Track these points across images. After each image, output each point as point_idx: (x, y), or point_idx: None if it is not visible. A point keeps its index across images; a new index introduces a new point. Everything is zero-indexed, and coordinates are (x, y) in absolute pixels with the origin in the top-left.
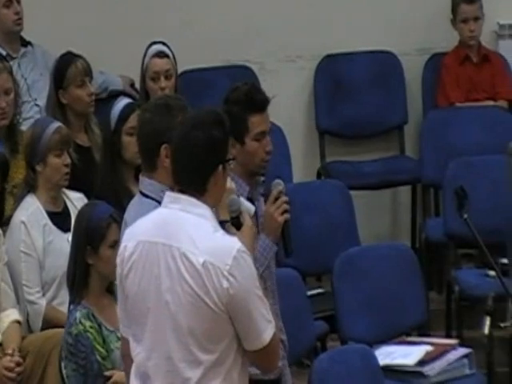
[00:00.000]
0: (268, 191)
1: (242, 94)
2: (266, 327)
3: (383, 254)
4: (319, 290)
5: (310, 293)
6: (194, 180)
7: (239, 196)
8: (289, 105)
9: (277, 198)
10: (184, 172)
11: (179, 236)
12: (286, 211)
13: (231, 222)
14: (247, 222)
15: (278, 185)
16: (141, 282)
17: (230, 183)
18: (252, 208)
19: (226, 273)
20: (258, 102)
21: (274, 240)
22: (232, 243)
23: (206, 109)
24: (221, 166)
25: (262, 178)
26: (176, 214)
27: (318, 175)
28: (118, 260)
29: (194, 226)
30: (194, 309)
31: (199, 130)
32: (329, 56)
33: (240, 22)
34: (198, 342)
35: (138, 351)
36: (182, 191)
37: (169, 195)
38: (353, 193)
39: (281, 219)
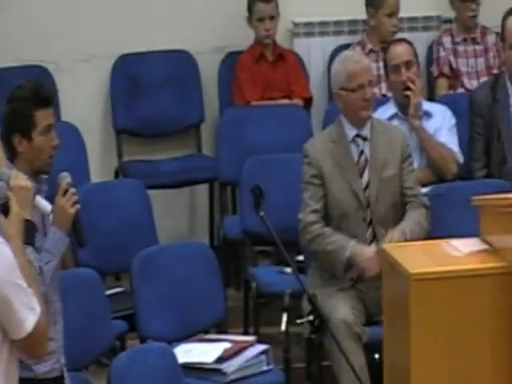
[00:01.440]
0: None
1: (27, 90)
2: (28, 315)
3: (181, 253)
4: (118, 290)
5: (108, 292)
6: None
7: (36, 194)
8: (85, 104)
9: (66, 191)
10: None
11: None
12: (76, 202)
13: None
14: (14, 208)
15: (66, 177)
16: None
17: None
18: (48, 206)
19: None
20: (43, 97)
21: (66, 232)
22: None
23: None
24: None
25: (45, 176)
26: None
27: (116, 175)
28: None
29: None
30: None
31: None
32: (124, 55)
33: (35, 20)
34: None
35: None
36: None
37: None
38: (150, 192)
39: (72, 210)
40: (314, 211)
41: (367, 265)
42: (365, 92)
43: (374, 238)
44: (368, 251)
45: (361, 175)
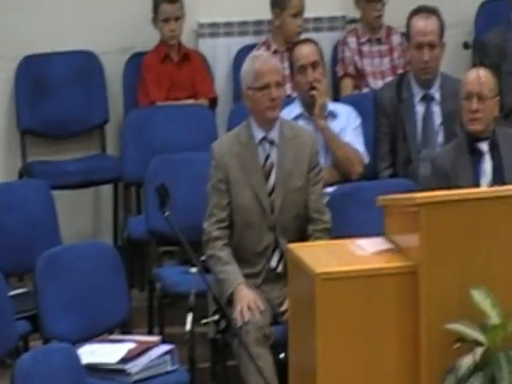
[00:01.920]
0: None
1: None
2: None
3: (85, 253)
4: (21, 290)
5: (12, 293)
6: None
7: None
8: None
9: None
10: None
11: None
12: None
13: None
14: None
15: None
16: None
17: None
18: None
19: None
20: None
21: None
22: None
23: None
24: None
25: None
26: None
27: (20, 175)
28: None
29: None
30: None
31: None
32: (29, 56)
33: None
34: None
35: None
36: None
37: None
38: (55, 192)
39: None
40: (219, 221)
41: (238, 314)
42: (271, 92)
43: (276, 247)
44: (245, 300)
45: (266, 180)
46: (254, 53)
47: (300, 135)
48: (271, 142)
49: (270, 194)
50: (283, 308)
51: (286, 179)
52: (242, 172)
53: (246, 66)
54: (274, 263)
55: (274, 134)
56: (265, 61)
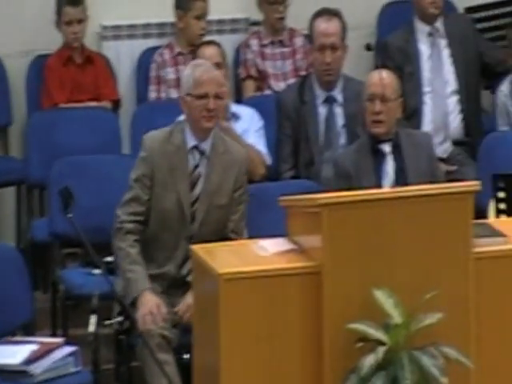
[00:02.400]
0: None
1: None
2: None
3: None
4: None
5: None
6: None
7: None
8: None
9: None
10: None
11: None
12: None
13: None
14: None
15: None
16: None
17: None
18: None
19: None
20: None
21: None
22: None
23: None
24: None
25: None
26: None
27: None
28: None
29: None
30: None
31: None
32: None
33: None
34: None
35: None
36: None
37: None
38: None
39: None
40: (134, 214)
41: (141, 318)
42: (209, 102)
43: (187, 259)
44: (148, 306)
45: (192, 189)
46: (198, 60)
47: (231, 151)
48: (202, 153)
49: (193, 203)
50: (177, 308)
51: (211, 194)
52: (169, 174)
53: (187, 71)
54: (184, 271)
55: (206, 145)
56: (206, 70)
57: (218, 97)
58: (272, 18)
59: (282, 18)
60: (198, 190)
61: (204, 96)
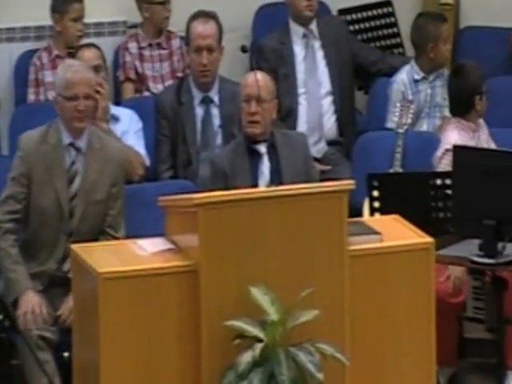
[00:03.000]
0: None
1: None
2: None
3: None
4: None
5: None
6: None
7: None
8: None
9: None
10: None
11: None
12: None
13: None
14: None
15: None
16: None
17: None
18: None
19: None
20: None
21: None
22: None
23: None
24: None
25: None
26: None
27: None
28: None
29: None
30: None
31: None
32: None
33: None
34: None
35: None
36: None
37: None
38: None
39: None
40: (12, 212)
41: (22, 317)
42: (79, 103)
43: (67, 255)
44: (30, 305)
45: (69, 185)
46: (70, 61)
47: (107, 147)
48: (78, 150)
49: (71, 200)
50: (60, 312)
51: (88, 190)
52: (46, 173)
53: (59, 72)
54: (65, 267)
55: (81, 143)
56: (76, 71)
57: (87, 97)
58: (157, 18)
59: (168, 18)
60: (75, 186)
61: (74, 97)
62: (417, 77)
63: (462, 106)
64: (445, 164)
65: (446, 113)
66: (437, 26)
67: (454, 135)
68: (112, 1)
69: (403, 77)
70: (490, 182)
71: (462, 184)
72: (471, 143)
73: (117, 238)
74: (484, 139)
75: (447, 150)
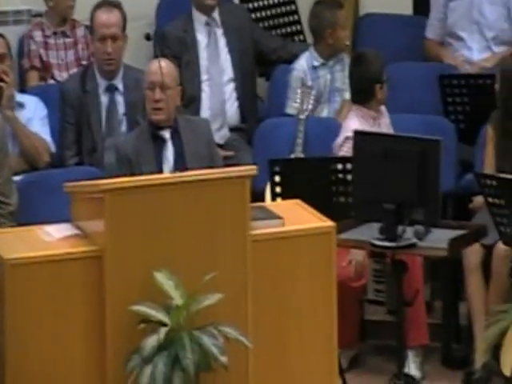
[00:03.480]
0: None
1: None
2: None
3: None
4: None
5: None
6: None
7: None
8: None
9: None
10: None
11: None
12: None
13: None
14: None
15: None
16: None
17: None
18: None
19: None
20: None
21: None
22: None
23: None
24: None
25: None
26: None
27: None
28: None
29: None
30: None
31: None
32: None
33: None
34: None
35: None
36: None
37: None
38: None
39: None
40: None
41: None
42: None
43: None
44: None
45: None
46: None
47: None
48: None
49: None
50: None
51: None
52: None
53: None
54: None
55: None
56: None
57: None
58: (62, 7)
59: (72, 7)
60: None
61: None
62: (316, 63)
63: (362, 95)
64: (345, 152)
65: (346, 97)
66: (333, 13)
67: (355, 123)
68: None
69: (302, 63)
70: (389, 166)
71: (362, 169)
72: (371, 131)
73: (10, 205)
74: (384, 126)
75: (347, 138)
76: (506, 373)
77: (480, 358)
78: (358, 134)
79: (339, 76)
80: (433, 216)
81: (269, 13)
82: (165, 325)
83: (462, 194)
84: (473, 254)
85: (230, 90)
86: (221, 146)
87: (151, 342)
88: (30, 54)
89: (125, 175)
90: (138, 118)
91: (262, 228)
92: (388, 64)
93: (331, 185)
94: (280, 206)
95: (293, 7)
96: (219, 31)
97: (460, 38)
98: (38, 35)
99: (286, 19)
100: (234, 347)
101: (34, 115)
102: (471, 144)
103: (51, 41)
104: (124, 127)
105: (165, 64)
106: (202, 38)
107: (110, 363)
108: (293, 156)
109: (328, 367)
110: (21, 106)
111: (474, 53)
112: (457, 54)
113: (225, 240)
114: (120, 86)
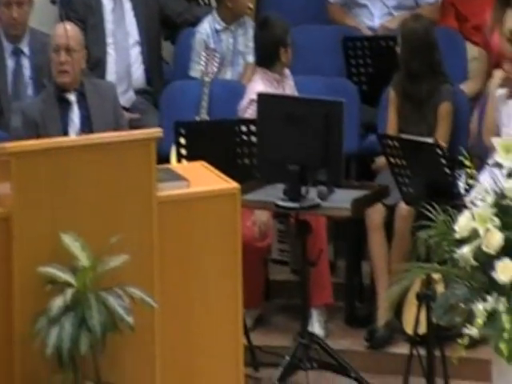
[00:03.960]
0: None
1: None
2: None
3: None
4: None
5: None
6: None
7: None
8: None
9: None
10: None
11: None
12: None
13: None
14: None
15: None
16: None
17: None
18: None
19: None
20: None
21: None
22: None
23: None
24: None
25: None
26: None
27: None
28: None
29: None
30: None
31: None
32: None
33: None
34: None
35: None
36: None
37: None
38: None
39: None
40: None
41: None
42: None
43: None
44: None
45: None
46: None
47: None
48: None
49: None
50: None
51: None
52: None
53: None
54: None
55: None
56: None
57: None
58: None
59: None
60: None
61: None
62: (218, 27)
63: (267, 58)
64: (250, 114)
65: (249, 60)
66: None
67: (259, 85)
68: None
69: (206, 27)
70: (293, 128)
71: (266, 130)
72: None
73: None
74: (288, 89)
75: (252, 100)
76: (408, 331)
77: (382, 317)
78: (262, 97)
79: (242, 40)
80: (336, 177)
81: None
82: (71, 286)
83: (365, 154)
84: (375, 214)
85: (135, 54)
86: (127, 109)
87: (58, 302)
88: None
89: (31, 138)
90: (44, 82)
91: (168, 190)
92: (292, 27)
93: (236, 146)
94: (185, 167)
95: None
96: None
97: (362, 5)
98: None
99: None
100: (140, 308)
101: None
102: (374, 106)
103: None
104: (30, 91)
105: (70, 27)
106: (107, 1)
107: (17, 324)
108: (198, 118)
109: (233, 326)
110: None
111: (376, 19)
112: (358, 19)
113: (131, 202)
114: (26, 50)
